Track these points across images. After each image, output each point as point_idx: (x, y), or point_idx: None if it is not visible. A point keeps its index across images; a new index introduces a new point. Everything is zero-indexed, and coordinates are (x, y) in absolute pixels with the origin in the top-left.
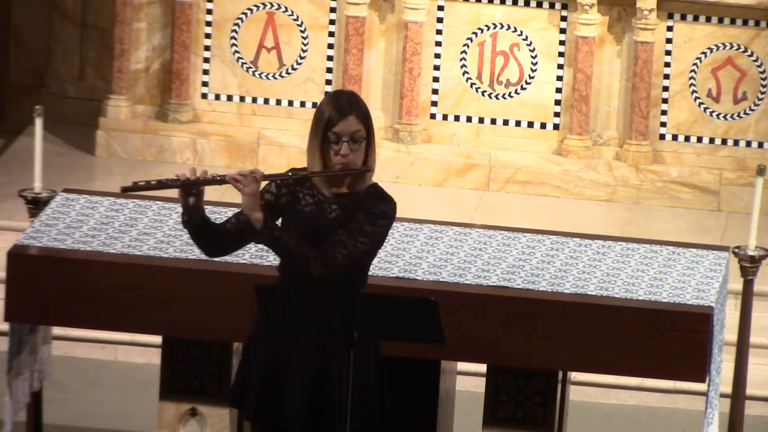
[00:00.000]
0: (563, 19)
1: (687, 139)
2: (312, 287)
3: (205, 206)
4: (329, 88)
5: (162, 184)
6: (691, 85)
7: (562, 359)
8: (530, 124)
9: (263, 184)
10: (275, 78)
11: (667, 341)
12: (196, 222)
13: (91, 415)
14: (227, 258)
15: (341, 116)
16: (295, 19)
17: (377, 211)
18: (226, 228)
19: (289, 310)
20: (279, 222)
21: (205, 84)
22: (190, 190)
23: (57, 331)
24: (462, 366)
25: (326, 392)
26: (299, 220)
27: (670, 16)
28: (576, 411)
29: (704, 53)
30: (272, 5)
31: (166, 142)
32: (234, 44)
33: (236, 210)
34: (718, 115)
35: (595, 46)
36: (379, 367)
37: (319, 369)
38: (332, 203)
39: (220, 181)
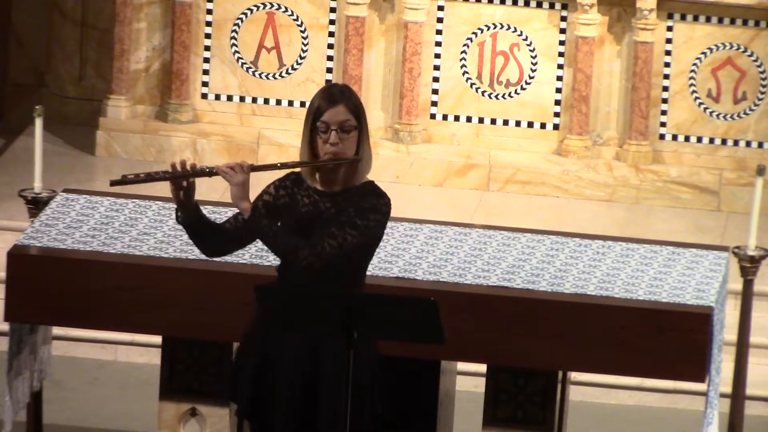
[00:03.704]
0: (563, 19)
1: (687, 139)
2: (310, 287)
3: (205, 206)
4: None
5: (151, 177)
6: (691, 85)
7: (562, 359)
8: (530, 124)
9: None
10: (275, 78)
11: (667, 341)
12: (190, 218)
13: (91, 415)
14: (227, 258)
15: (330, 105)
16: (295, 19)
17: (368, 205)
18: (225, 227)
19: (286, 310)
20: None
21: (205, 84)
22: (180, 183)
23: (57, 331)
24: (462, 366)
25: (317, 392)
26: (296, 220)
27: (670, 16)
28: (576, 411)
29: (704, 53)
30: (272, 5)
31: (166, 142)
32: (234, 44)
33: (236, 210)
34: (718, 115)
35: (594, 46)
36: (373, 369)
37: (312, 369)
38: (327, 201)
39: (208, 172)
